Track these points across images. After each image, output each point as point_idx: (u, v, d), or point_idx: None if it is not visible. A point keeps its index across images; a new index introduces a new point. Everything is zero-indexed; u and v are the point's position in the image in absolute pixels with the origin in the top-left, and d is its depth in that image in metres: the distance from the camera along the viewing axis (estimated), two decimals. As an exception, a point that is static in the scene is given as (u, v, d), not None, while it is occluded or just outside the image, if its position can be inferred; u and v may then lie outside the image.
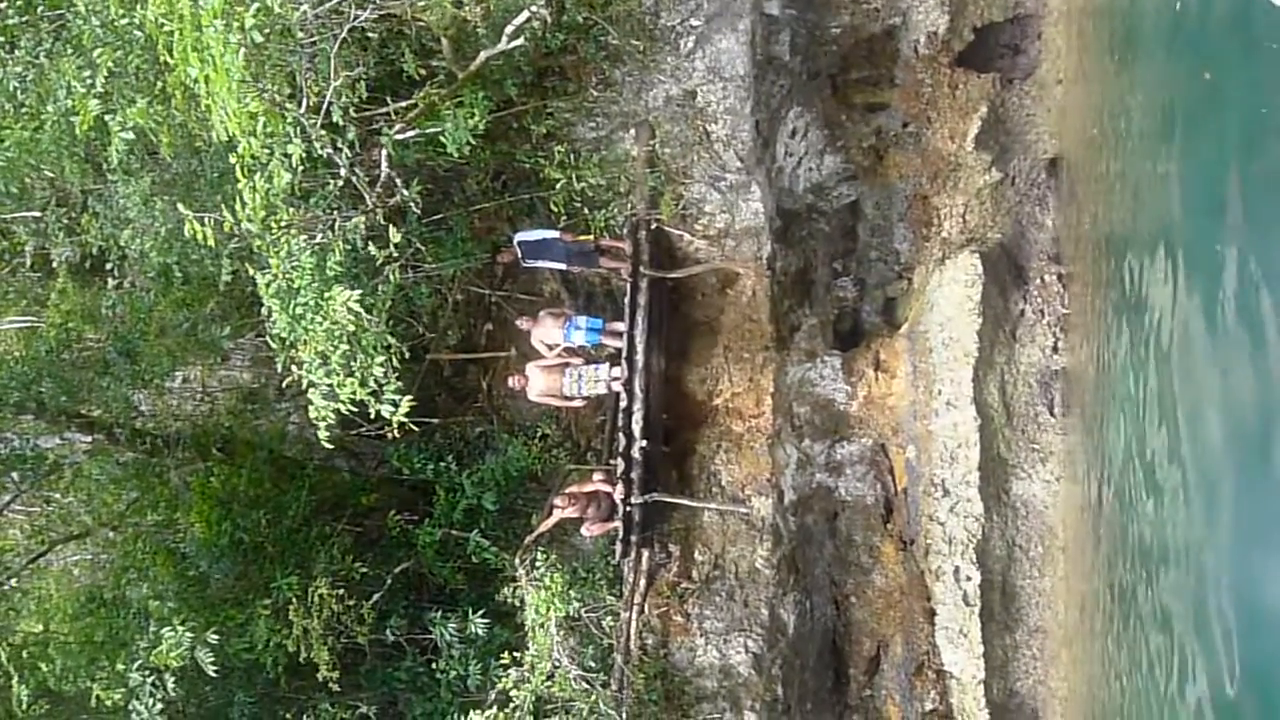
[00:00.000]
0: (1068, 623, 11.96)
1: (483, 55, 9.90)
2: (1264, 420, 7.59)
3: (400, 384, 8.71)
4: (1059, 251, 12.44)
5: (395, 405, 8.46)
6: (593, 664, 11.11)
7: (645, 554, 11.73)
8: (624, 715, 10.64)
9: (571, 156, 11.69)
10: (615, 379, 11.50)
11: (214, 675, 10.03)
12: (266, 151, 8.05)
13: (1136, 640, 10.01)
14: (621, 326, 11.59)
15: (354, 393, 8.36)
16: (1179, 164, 9.39)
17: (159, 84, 8.72)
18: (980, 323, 11.78)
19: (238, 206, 8.17)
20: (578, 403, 11.91)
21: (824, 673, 12.33)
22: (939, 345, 11.97)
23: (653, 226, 11.91)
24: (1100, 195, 11.65)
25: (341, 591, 11.28)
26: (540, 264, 12.08)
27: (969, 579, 11.68)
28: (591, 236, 11.76)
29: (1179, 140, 9.39)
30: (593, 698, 10.47)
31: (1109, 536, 10.87)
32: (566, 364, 11.68)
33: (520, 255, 11.82)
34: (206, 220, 8.25)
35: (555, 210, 11.77)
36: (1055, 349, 12.18)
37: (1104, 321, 11.13)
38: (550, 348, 11.72)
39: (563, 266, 12.08)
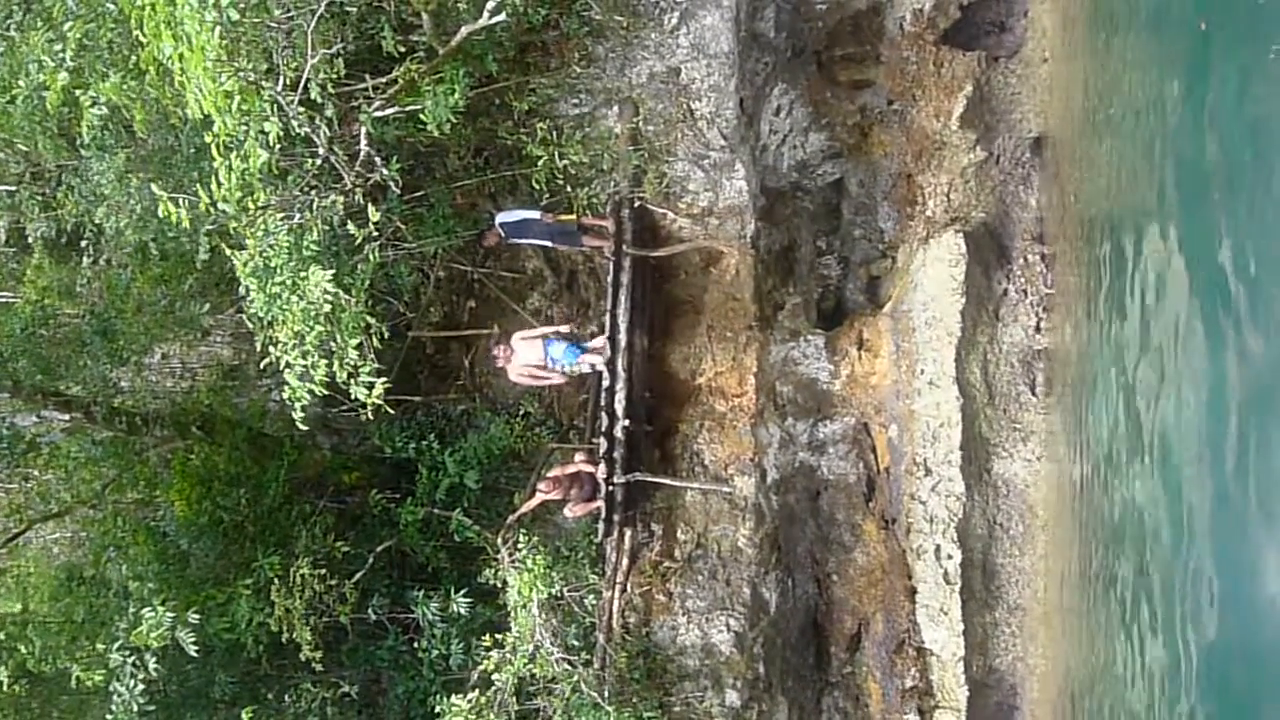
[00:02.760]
0: (1047, 600, 12.05)
1: (464, 30, 9.75)
2: (1245, 400, 7.62)
3: (379, 364, 8.65)
4: (1043, 231, 12.43)
5: (371, 387, 8.38)
6: (575, 643, 11.12)
7: (628, 533, 11.73)
8: (606, 694, 10.66)
9: (554, 133, 11.57)
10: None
11: (195, 655, 10.00)
12: (243, 129, 7.92)
13: (1115, 617, 10.09)
14: (600, 342, 11.50)
15: (329, 374, 8.28)
16: (1163, 142, 9.36)
17: (132, 59, 8.56)
18: (963, 302, 11.78)
19: (214, 185, 8.05)
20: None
21: (805, 650, 12.39)
22: (922, 324, 11.96)
23: (636, 205, 11.83)
24: (1085, 174, 11.63)
25: (323, 570, 11.25)
26: (524, 242, 12.00)
27: (950, 557, 11.74)
28: (574, 216, 11.67)
29: (1163, 118, 9.36)
30: (575, 677, 10.48)
31: (1089, 515, 10.93)
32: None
33: (503, 235, 11.73)
34: (181, 201, 8.11)
35: (537, 187, 11.65)
36: (1038, 328, 12.20)
37: (1087, 301, 11.14)
38: (540, 367, 11.65)
39: (547, 244, 12.00)
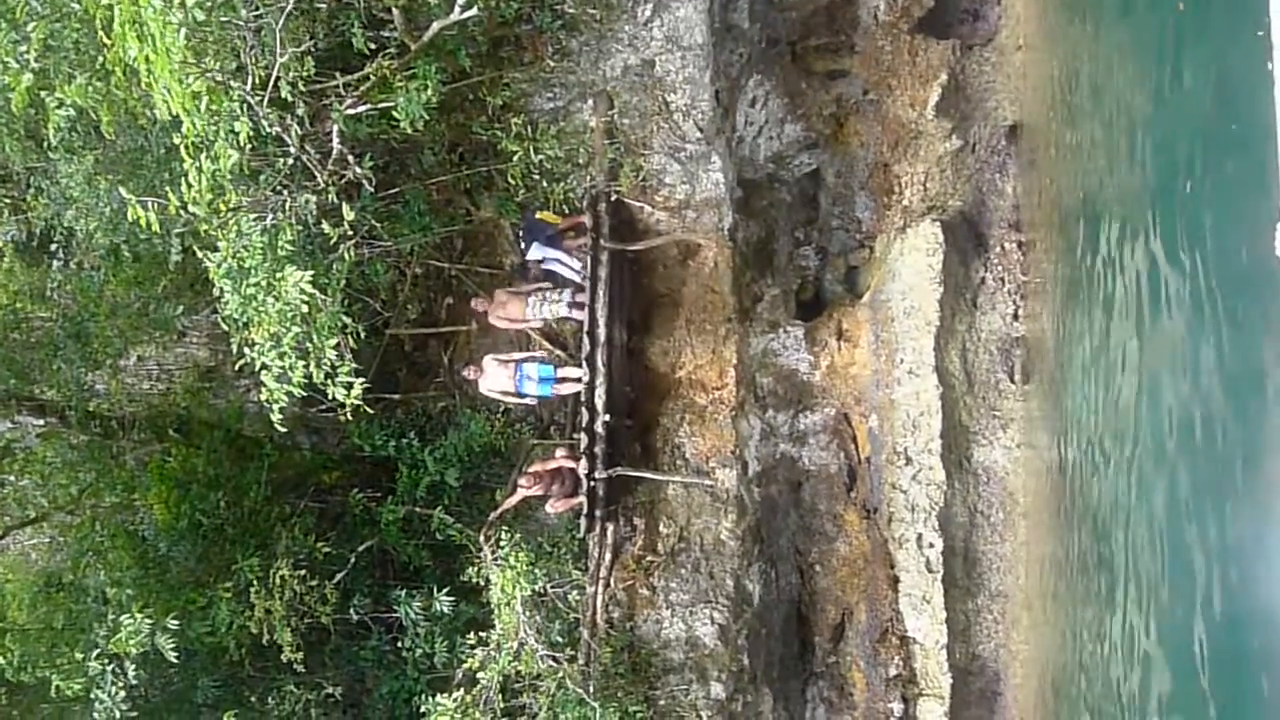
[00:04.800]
0: (1028, 587, 12.11)
1: (435, 25, 9.67)
2: (1221, 384, 7.67)
3: (357, 363, 8.59)
4: (1019, 219, 12.46)
5: (349, 386, 8.32)
6: (559, 639, 11.10)
7: (610, 528, 11.71)
8: (591, 690, 10.65)
9: (529, 128, 11.51)
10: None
11: (176, 660, 9.93)
12: (212, 130, 7.82)
13: (1095, 601, 10.16)
14: (576, 372, 11.46)
15: (307, 375, 8.21)
16: (1139, 127, 9.39)
17: (98, 60, 8.42)
18: (941, 291, 11.79)
19: (184, 186, 7.95)
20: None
21: (790, 641, 12.42)
22: (901, 314, 11.98)
23: (612, 198, 11.77)
24: (1061, 161, 11.65)
25: (304, 571, 11.18)
26: (552, 263, 11.81)
27: (931, 546, 11.78)
28: (555, 217, 11.66)
29: (1139, 102, 9.39)
30: (560, 673, 10.46)
31: (1069, 501, 10.99)
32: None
33: (539, 260, 11.71)
34: (151, 204, 8.00)
35: (513, 183, 11.60)
36: (1016, 316, 12.23)
37: (1064, 288, 11.19)
38: (504, 393, 11.68)
39: (575, 268, 11.74)
